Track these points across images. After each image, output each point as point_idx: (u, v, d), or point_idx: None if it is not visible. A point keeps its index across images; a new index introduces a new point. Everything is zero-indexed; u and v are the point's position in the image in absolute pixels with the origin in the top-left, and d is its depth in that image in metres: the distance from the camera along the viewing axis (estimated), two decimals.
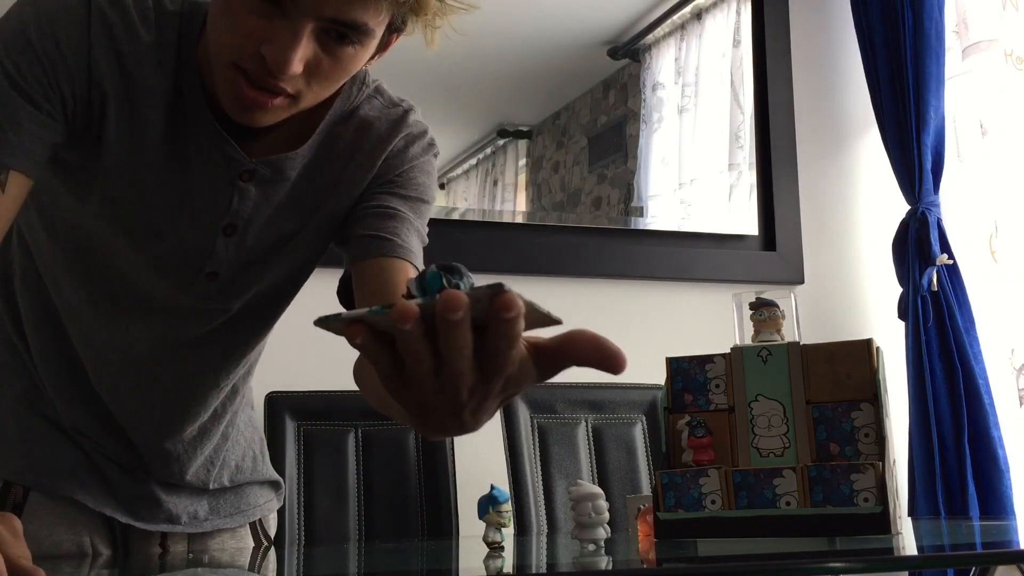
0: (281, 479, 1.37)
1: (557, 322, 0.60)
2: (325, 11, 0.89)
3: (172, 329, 1.12)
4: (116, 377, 1.14)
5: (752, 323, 1.17)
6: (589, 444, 2.12)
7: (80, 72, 0.95)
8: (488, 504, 1.08)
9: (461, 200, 2.43)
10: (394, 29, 0.97)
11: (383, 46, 0.99)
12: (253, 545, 1.32)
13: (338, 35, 0.92)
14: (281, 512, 1.88)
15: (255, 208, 1.06)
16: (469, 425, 0.64)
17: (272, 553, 1.35)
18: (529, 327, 0.60)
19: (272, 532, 1.37)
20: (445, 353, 0.58)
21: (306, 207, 1.09)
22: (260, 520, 1.33)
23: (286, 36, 0.89)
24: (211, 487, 1.25)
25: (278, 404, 1.97)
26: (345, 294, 1.12)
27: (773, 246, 2.65)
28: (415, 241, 1.08)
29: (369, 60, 0.99)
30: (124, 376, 1.14)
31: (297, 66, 0.90)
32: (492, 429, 2.05)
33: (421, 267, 1.05)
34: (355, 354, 2.34)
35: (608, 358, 0.58)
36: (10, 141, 0.92)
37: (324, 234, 1.12)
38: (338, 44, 0.92)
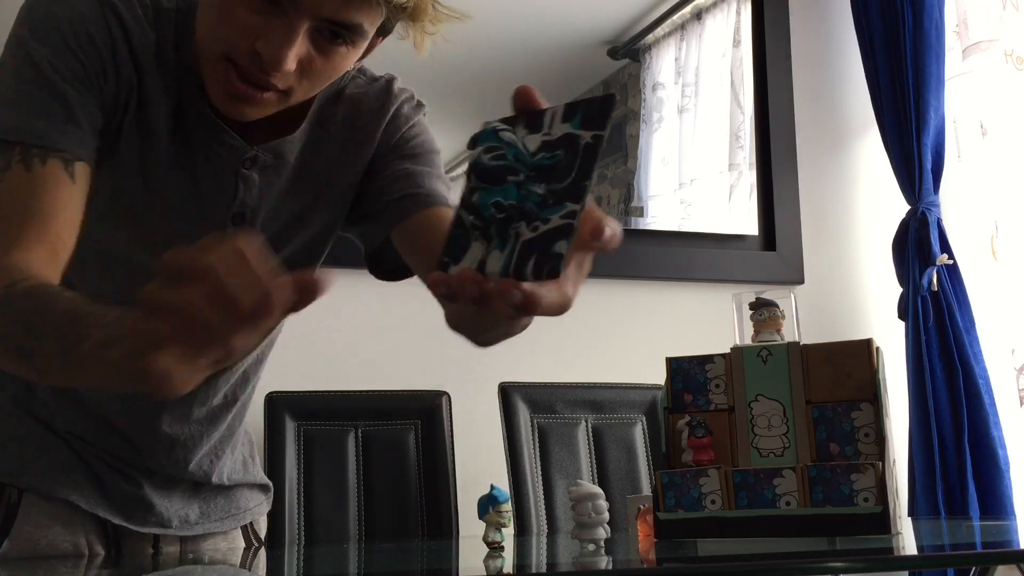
0: (270, 482, 1.37)
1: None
2: (323, 11, 0.91)
3: None
4: None
5: (752, 323, 1.17)
6: (589, 444, 2.12)
7: (109, 66, 0.98)
8: (488, 504, 1.08)
9: None
10: (382, 32, 0.99)
11: (369, 47, 1.01)
12: (244, 546, 1.31)
13: (332, 34, 0.93)
14: (281, 512, 1.89)
15: (260, 195, 1.07)
16: (571, 298, 0.63)
17: (263, 553, 1.35)
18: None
19: (263, 534, 1.37)
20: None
21: (310, 187, 1.10)
22: (251, 523, 1.33)
23: (282, 33, 0.91)
24: (212, 481, 1.24)
25: (278, 404, 1.97)
26: (375, 266, 1.14)
27: (773, 246, 2.65)
28: (441, 186, 1.09)
29: (356, 61, 1.02)
30: None
31: (291, 64, 0.92)
32: (492, 429, 2.05)
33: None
34: (355, 355, 2.34)
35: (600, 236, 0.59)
36: (71, 131, 0.93)
37: (332, 209, 1.13)
38: (331, 44, 0.94)
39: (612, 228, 0.59)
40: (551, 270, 0.55)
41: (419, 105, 1.16)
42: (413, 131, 1.13)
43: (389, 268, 1.14)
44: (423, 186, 1.08)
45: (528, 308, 0.57)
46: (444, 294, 0.58)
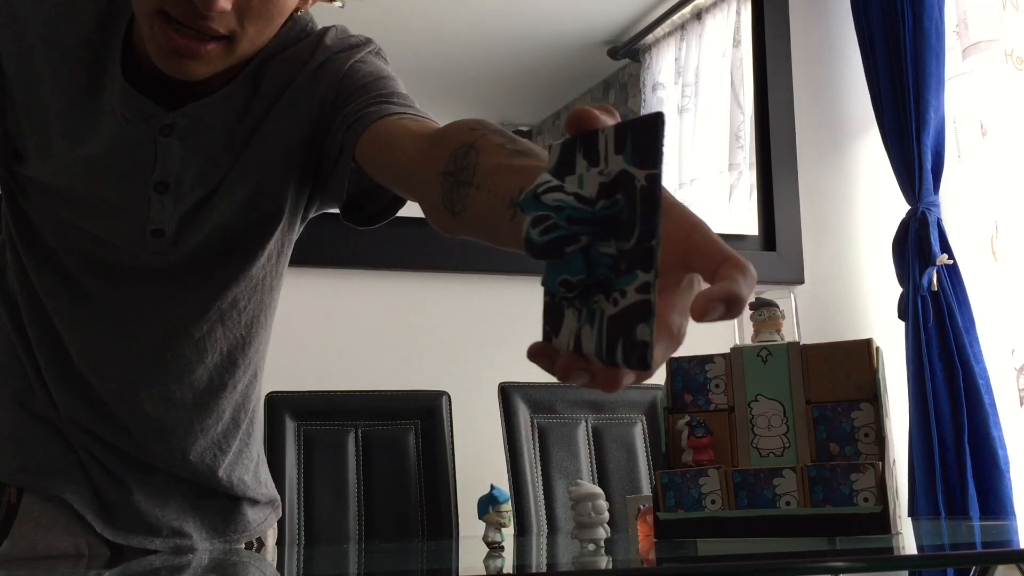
0: (279, 497, 1.32)
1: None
2: None
3: (132, 284, 1.11)
4: (90, 344, 1.12)
5: (752, 323, 1.17)
6: (589, 444, 2.12)
7: None
8: (488, 504, 1.08)
9: None
10: None
11: None
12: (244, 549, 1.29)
13: None
14: (281, 512, 1.88)
15: (183, 161, 1.04)
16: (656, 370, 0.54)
17: (268, 551, 1.34)
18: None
19: (269, 543, 1.33)
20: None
21: (239, 147, 1.06)
22: (258, 537, 1.29)
23: None
24: (219, 475, 1.20)
25: (278, 404, 1.97)
26: (349, 214, 1.09)
27: (773, 246, 2.65)
28: (397, 100, 1.01)
29: (303, 1, 0.98)
30: (97, 341, 1.12)
31: (224, 2, 0.88)
32: (492, 429, 2.05)
33: (419, 116, 0.98)
34: (355, 355, 2.31)
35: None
36: None
37: (264, 168, 1.07)
38: None
39: (731, 293, 0.47)
40: (639, 361, 0.48)
41: (358, 45, 1.08)
42: (356, 68, 1.05)
43: (369, 215, 1.08)
44: (381, 101, 1.00)
45: (622, 386, 0.52)
46: (546, 369, 0.54)
